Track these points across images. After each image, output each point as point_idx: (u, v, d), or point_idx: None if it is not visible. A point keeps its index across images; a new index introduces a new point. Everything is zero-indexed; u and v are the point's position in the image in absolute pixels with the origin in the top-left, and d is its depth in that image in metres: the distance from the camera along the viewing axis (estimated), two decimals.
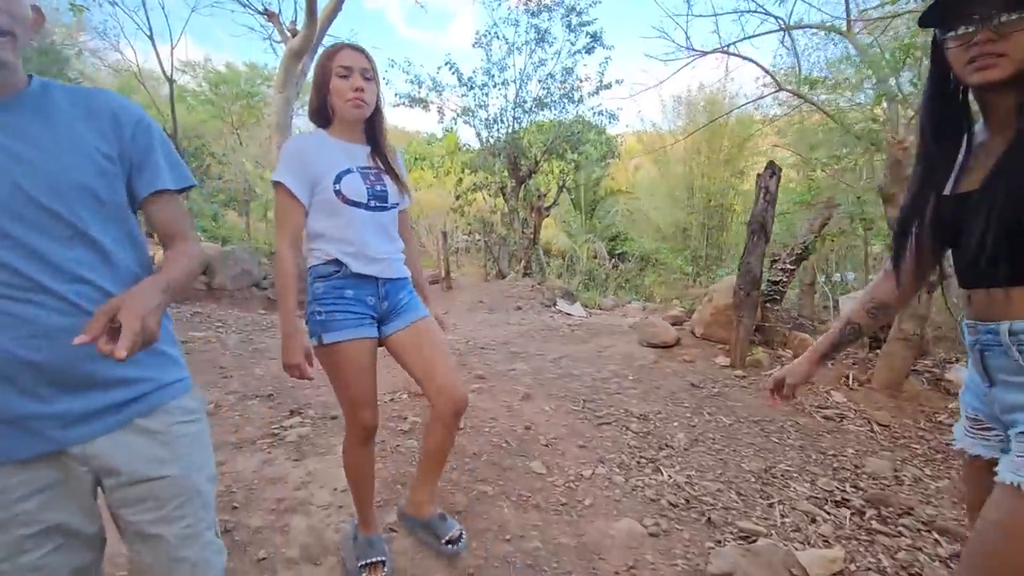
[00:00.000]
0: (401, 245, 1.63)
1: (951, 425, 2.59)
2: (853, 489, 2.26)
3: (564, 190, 12.57)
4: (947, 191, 0.93)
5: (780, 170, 3.27)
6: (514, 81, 11.45)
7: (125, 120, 0.93)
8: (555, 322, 7.49)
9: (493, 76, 11.21)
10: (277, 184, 1.46)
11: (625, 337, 4.75)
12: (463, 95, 11.11)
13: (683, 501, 2.10)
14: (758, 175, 3.36)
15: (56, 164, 0.84)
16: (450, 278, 10.96)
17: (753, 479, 2.30)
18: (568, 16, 10.72)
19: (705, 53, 8.19)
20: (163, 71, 9.76)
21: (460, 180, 12.17)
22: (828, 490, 2.24)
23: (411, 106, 11.49)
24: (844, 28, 7.42)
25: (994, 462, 0.88)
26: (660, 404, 3.10)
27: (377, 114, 1.56)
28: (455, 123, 12.00)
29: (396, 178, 1.58)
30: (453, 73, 10.77)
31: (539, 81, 11.41)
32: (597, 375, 3.63)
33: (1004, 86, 0.82)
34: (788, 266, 3.70)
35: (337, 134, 1.55)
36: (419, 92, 11.37)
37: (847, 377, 3.07)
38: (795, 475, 2.32)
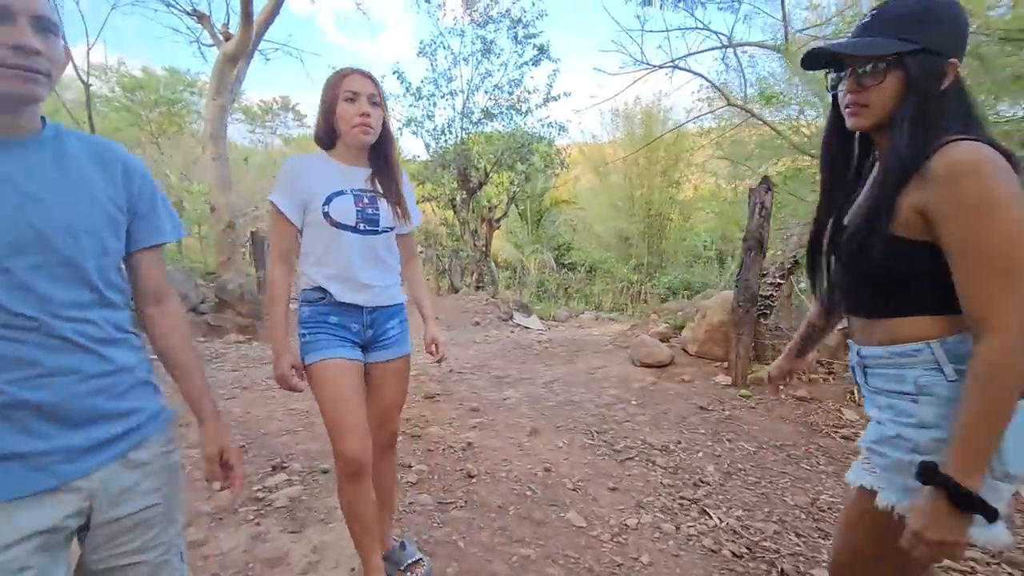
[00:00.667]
0: (395, 273, 1.61)
1: None
2: None
3: (513, 201, 12.44)
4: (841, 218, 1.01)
5: (774, 186, 3.26)
6: (461, 92, 11.24)
7: (134, 173, 0.97)
8: (523, 338, 7.28)
9: (440, 86, 10.96)
10: (272, 203, 1.48)
11: (613, 356, 4.62)
12: (410, 105, 10.76)
13: (746, 550, 1.94)
14: (751, 190, 3.33)
15: (73, 210, 0.86)
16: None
17: (803, 515, 2.18)
18: (515, 28, 10.66)
19: (659, 67, 8.34)
20: (78, 74, 8.74)
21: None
22: None
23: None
24: (783, 47, 7.76)
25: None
26: (675, 432, 2.96)
27: (385, 138, 1.56)
28: (400, 133, 11.60)
29: (396, 202, 1.55)
30: (401, 83, 10.41)
31: (486, 92, 11.27)
32: (599, 401, 3.45)
33: (877, 131, 0.90)
34: (777, 280, 3.71)
35: (338, 156, 1.55)
36: None
37: (852, 392, 3.11)
38: (842, 507, 2.23)
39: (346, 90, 1.44)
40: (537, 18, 10.48)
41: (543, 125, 11.01)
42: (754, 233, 3.26)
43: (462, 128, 11.42)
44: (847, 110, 0.91)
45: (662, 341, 4.35)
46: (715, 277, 18.01)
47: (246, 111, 20.24)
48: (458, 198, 11.48)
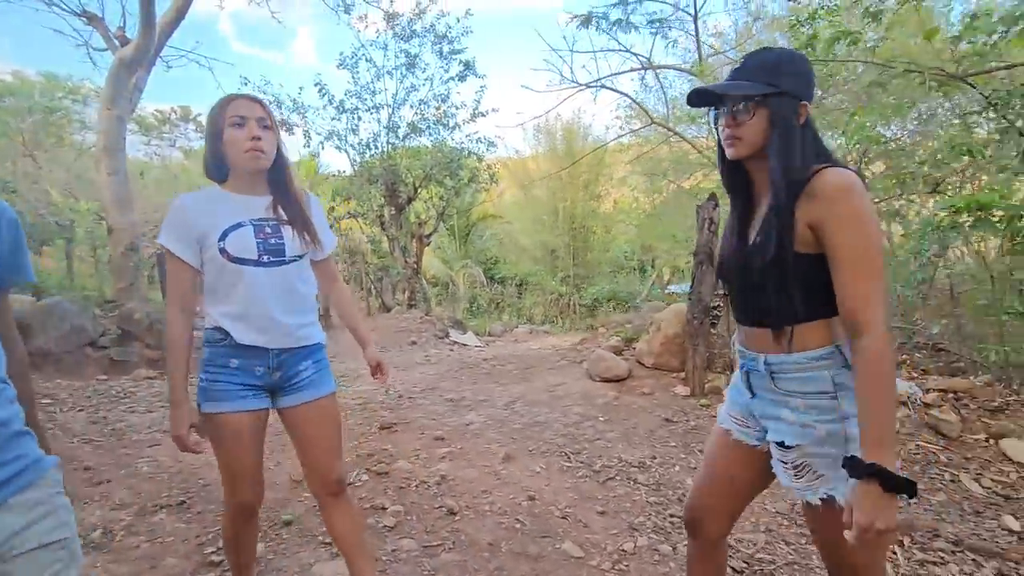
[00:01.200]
0: (311, 310, 1.52)
1: (910, 433, 2.82)
2: None
3: (443, 217, 12.26)
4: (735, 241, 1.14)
5: (719, 203, 3.42)
6: (387, 105, 10.98)
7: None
8: (466, 356, 7.13)
9: (364, 100, 10.64)
10: (161, 245, 1.41)
11: (568, 372, 4.60)
12: (333, 118, 10.33)
13: (744, 564, 1.95)
14: (699, 207, 3.47)
15: None
16: (329, 316, 9.98)
17: (786, 521, 2.24)
18: (439, 43, 10.59)
19: (587, 86, 8.61)
20: None
21: (332, 208, 11.24)
22: None
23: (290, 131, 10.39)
24: (697, 69, 8.29)
25: (744, 445, 1.18)
26: (647, 447, 2.97)
27: (280, 162, 1.47)
28: (322, 147, 11.10)
29: (303, 228, 1.47)
30: (322, 95, 9.97)
31: (411, 107, 11.10)
32: (566, 420, 3.40)
33: (756, 159, 1.02)
34: (723, 291, 3.87)
35: (232, 187, 1.45)
36: (279, 113, 10.34)
37: None
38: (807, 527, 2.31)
39: (232, 115, 1.37)
40: (462, 34, 10.49)
41: (472, 140, 10.98)
42: (704, 248, 3.38)
43: (388, 142, 11.15)
44: (726, 142, 1.05)
45: (616, 354, 4.40)
46: (638, 286, 18.83)
47: (140, 121, 18.51)
48: (386, 214, 11.13)
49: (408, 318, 10.07)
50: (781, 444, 1.06)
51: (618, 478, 2.61)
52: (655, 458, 2.81)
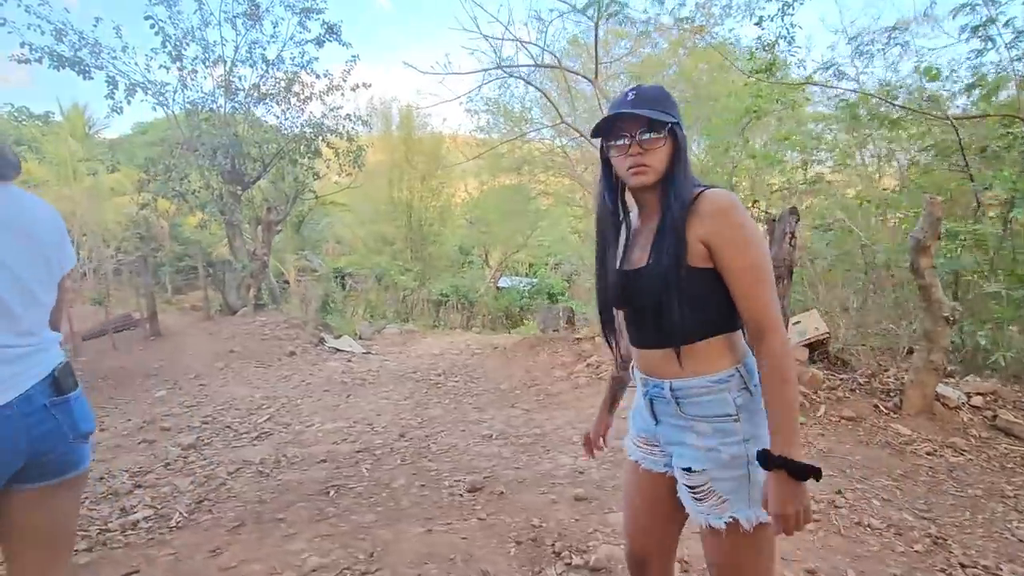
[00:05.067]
0: None
1: (989, 438, 3.23)
2: None
3: (295, 201, 10.49)
4: (619, 266, 1.18)
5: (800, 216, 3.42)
6: (223, 60, 8.96)
7: None
8: (381, 370, 6.19)
9: (195, 48, 8.46)
10: None
11: (571, 391, 4.24)
12: (162, 66, 8.04)
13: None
14: (777, 219, 3.40)
15: None
16: (156, 320, 7.76)
17: (929, 541, 2.29)
18: None
19: (499, 69, 8.20)
20: None
21: (146, 182, 8.75)
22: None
23: (58, 67, 7.63)
24: (593, 76, 8.58)
25: (654, 473, 1.19)
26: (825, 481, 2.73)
27: None
28: (128, 102, 8.52)
29: None
30: (157, 33, 7.65)
31: (251, 65, 9.21)
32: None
33: (652, 186, 1.09)
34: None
35: None
36: (63, 49, 7.64)
37: (876, 406, 3.40)
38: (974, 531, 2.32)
39: None
40: None
41: (340, 117, 9.62)
42: (784, 261, 3.38)
43: (230, 105, 9.12)
44: (631, 170, 1.06)
45: None
46: (479, 282, 18.98)
47: None
48: (224, 194, 9.07)
49: (268, 322, 8.42)
50: (687, 469, 1.07)
51: (832, 524, 2.38)
52: (841, 492, 2.55)
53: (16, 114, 15.44)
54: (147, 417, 4.14)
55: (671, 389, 1.08)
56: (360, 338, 9.50)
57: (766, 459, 0.96)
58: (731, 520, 1.03)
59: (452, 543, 2.08)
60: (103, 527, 2.40)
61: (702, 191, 1.05)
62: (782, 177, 6.72)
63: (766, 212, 6.18)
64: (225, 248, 10.24)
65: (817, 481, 0.93)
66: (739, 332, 1.08)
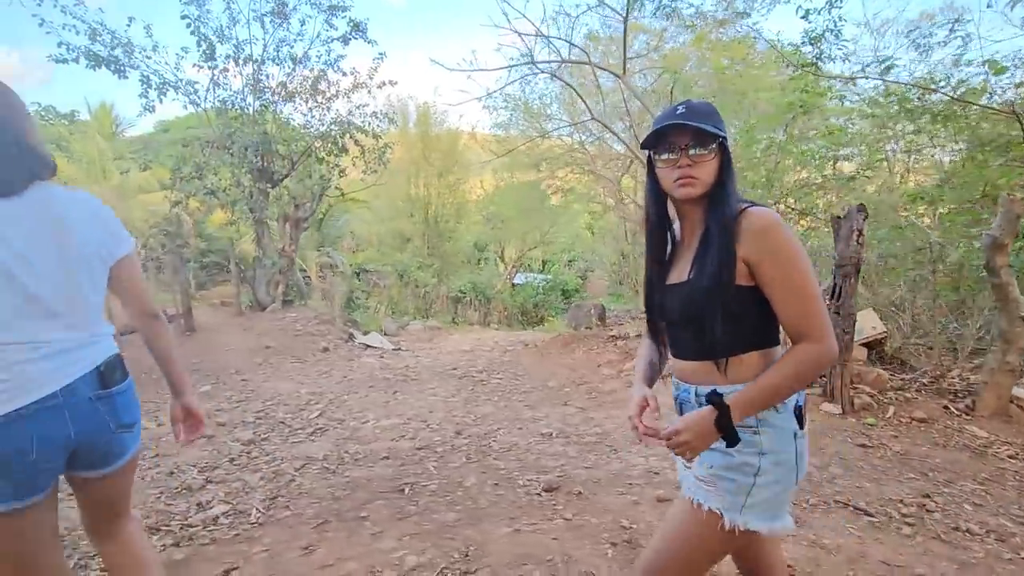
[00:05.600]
0: None
1: None
2: None
3: (320, 198, 10.53)
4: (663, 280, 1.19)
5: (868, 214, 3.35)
6: (252, 60, 8.97)
7: None
8: (417, 366, 6.20)
9: (226, 48, 8.50)
10: None
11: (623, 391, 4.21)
12: (196, 64, 8.08)
13: None
14: (843, 217, 3.32)
15: None
16: (191, 316, 7.83)
17: None
18: None
19: (535, 64, 8.16)
20: None
21: (178, 179, 8.82)
22: None
23: (94, 67, 7.70)
24: (621, 71, 8.51)
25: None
26: (895, 482, 2.63)
27: None
28: (160, 100, 8.58)
29: None
30: (192, 32, 7.69)
31: (277, 63, 9.22)
32: None
33: (696, 200, 1.09)
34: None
35: None
36: (99, 49, 7.70)
37: (946, 407, 3.36)
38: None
39: None
40: None
41: (366, 114, 9.62)
42: (851, 259, 3.29)
43: (258, 103, 9.16)
44: (678, 182, 1.06)
45: None
46: (495, 279, 18.97)
47: None
48: (254, 192, 9.11)
49: (298, 318, 8.47)
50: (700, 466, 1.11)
51: (928, 529, 2.30)
52: (929, 496, 2.51)
53: (43, 113, 15.67)
54: None
55: (696, 395, 1.11)
56: (385, 334, 9.53)
57: (713, 395, 1.02)
58: (715, 511, 1.06)
59: (544, 544, 2.06)
60: (184, 522, 2.41)
61: (746, 208, 1.05)
62: (805, 174, 6.61)
63: (792, 208, 6.11)
64: (248, 245, 10.29)
65: (729, 446, 1.01)
66: (777, 348, 1.09)
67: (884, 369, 3.84)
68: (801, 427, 1.07)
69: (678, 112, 1.07)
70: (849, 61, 5.70)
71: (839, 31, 5.16)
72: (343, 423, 3.87)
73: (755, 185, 5.70)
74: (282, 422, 3.94)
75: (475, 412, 4.03)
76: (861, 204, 3.36)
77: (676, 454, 1.04)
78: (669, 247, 1.20)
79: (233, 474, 2.95)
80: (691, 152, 1.05)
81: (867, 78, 4.92)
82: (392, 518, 2.34)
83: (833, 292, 3.36)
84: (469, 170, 20.34)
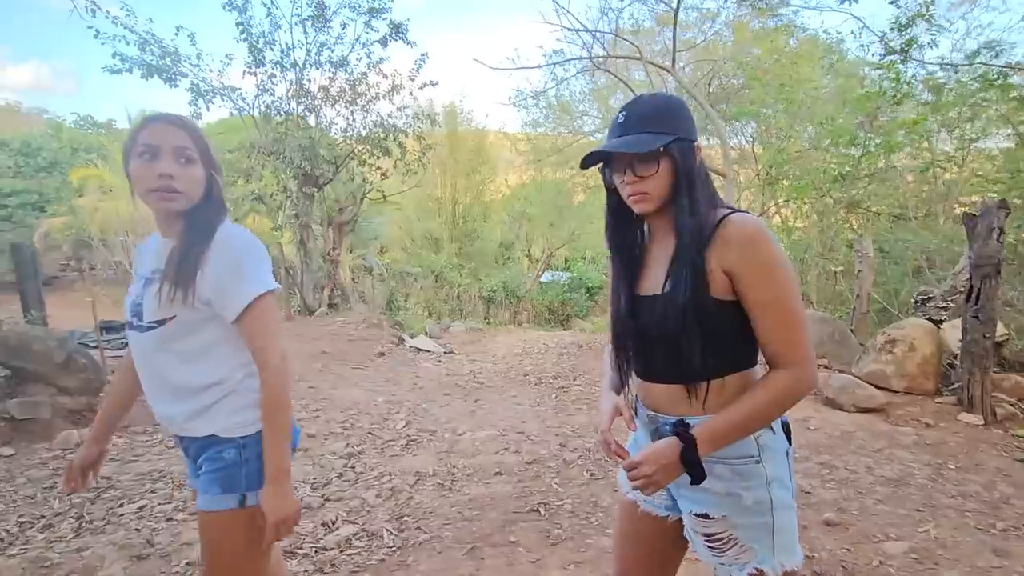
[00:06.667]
0: (193, 392, 1.12)
1: None
2: None
3: (363, 201, 10.48)
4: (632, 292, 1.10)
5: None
6: (294, 65, 8.92)
7: None
8: (526, 376, 6.04)
9: (272, 54, 8.45)
10: None
11: None
12: (250, 70, 8.06)
13: None
14: (972, 214, 3.12)
15: None
16: None
17: None
18: None
19: (587, 59, 8.01)
20: None
21: (227, 184, 8.83)
22: None
23: (146, 77, 7.71)
24: (669, 64, 8.31)
25: (655, 516, 1.10)
26: None
27: (209, 204, 1.14)
28: (207, 108, 8.57)
29: (170, 279, 1.08)
30: (245, 38, 7.66)
31: (318, 67, 9.15)
32: (909, 471, 2.78)
33: (659, 211, 1.00)
34: (946, 303, 3.73)
35: (160, 229, 1.18)
36: (150, 58, 7.70)
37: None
38: None
39: (141, 144, 1.08)
40: None
41: (408, 116, 9.53)
42: (991, 259, 3.11)
43: (302, 107, 9.13)
44: (631, 199, 1.00)
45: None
46: (523, 278, 18.81)
47: None
48: (300, 197, 9.09)
49: (347, 323, 8.41)
50: (704, 516, 0.99)
51: None
52: None
53: (81, 123, 15.90)
54: None
55: (659, 423, 1.02)
56: (430, 337, 9.44)
57: (679, 425, 0.94)
58: (756, 571, 0.96)
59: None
60: (316, 544, 2.31)
61: (727, 215, 0.95)
62: (882, 163, 6.33)
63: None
64: (289, 248, 10.28)
65: (692, 481, 0.91)
66: (758, 369, 1.00)
67: (1008, 374, 3.61)
68: (790, 443, 1.00)
69: (619, 121, 1.00)
70: (935, 47, 5.43)
71: (931, 15, 4.91)
72: (435, 434, 3.75)
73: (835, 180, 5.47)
74: (370, 433, 3.84)
75: (570, 422, 3.88)
76: (1002, 200, 3.14)
77: (634, 487, 0.93)
78: (637, 257, 1.11)
79: (347, 491, 2.85)
80: (636, 167, 0.97)
81: (970, 64, 4.66)
82: (543, 543, 2.21)
83: (969, 295, 3.15)
84: (496, 168, 20.24)
